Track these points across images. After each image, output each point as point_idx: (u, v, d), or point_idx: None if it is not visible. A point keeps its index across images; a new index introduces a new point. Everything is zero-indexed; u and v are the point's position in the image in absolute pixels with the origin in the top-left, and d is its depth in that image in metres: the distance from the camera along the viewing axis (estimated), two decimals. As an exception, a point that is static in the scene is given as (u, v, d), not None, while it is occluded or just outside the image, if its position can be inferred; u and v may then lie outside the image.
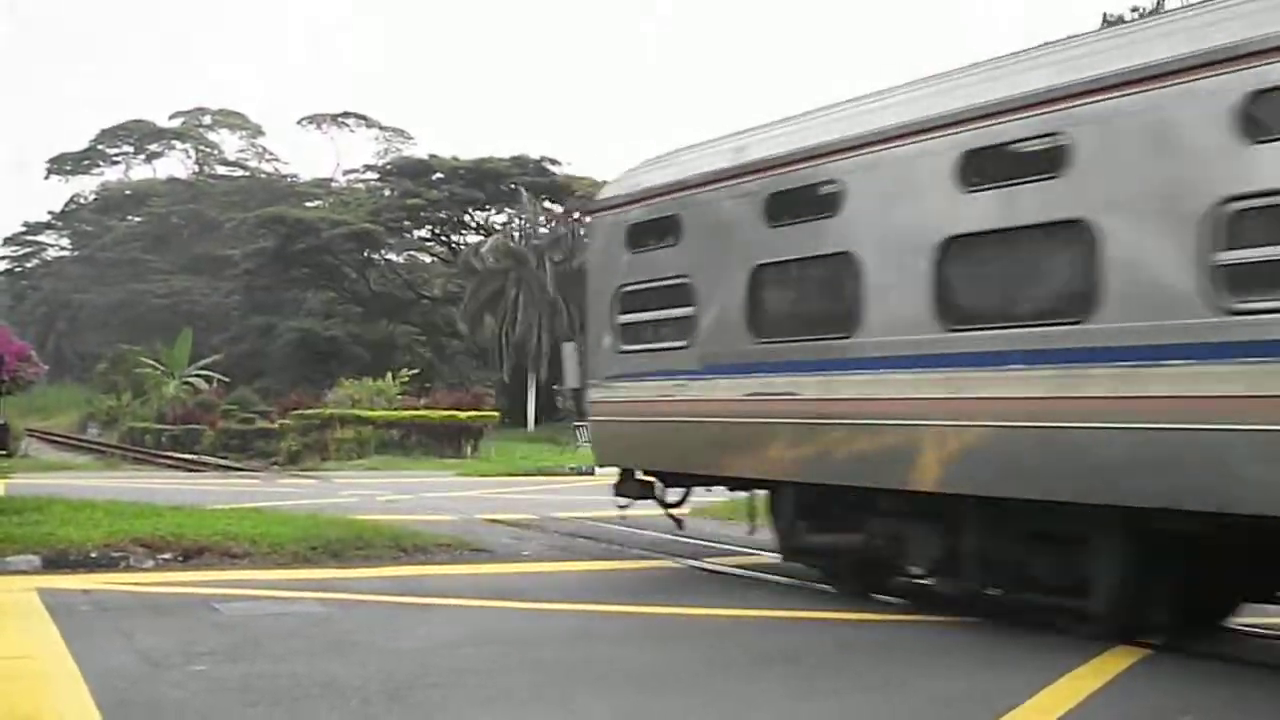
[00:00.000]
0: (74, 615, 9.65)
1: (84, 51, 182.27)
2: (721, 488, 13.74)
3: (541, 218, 73.88)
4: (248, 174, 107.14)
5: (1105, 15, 50.84)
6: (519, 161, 79.30)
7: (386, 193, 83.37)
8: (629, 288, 13.36)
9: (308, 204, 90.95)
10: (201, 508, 15.98)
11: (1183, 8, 10.21)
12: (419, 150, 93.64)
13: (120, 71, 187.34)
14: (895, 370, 10.01)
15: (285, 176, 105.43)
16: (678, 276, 12.47)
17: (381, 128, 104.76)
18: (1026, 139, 9.28)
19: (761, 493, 12.68)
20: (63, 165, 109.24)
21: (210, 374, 66.60)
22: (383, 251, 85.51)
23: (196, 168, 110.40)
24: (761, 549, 14.96)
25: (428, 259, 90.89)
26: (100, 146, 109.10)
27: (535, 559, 14.02)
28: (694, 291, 12.21)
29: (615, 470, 14.05)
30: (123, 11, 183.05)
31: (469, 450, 41.69)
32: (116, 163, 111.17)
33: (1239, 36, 7.81)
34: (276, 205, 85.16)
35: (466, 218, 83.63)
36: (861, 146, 10.54)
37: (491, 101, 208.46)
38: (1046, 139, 9.01)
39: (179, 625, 9.39)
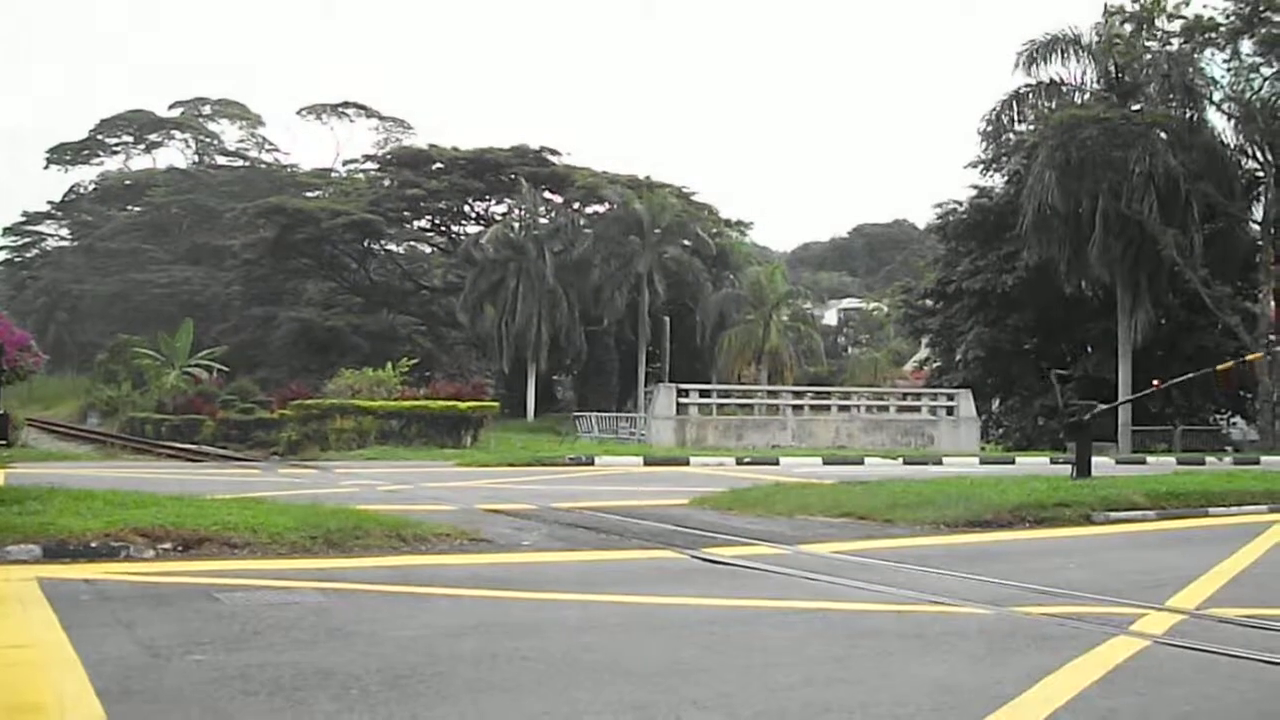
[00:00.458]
0: (74, 604, 9.65)
1: (83, 39, 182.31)
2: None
3: (541, 208, 73.94)
4: (248, 164, 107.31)
5: (1107, 6, 50.89)
6: (519, 152, 79.43)
7: (386, 183, 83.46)
8: None
9: (307, 194, 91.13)
10: (201, 498, 15.98)
11: None
12: (419, 140, 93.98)
13: (121, 60, 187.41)
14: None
15: (285, 166, 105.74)
16: None
17: (381, 118, 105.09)
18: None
19: None
20: (62, 155, 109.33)
21: (210, 364, 66.71)
22: (382, 242, 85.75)
23: (196, 158, 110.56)
24: (763, 539, 14.99)
25: (427, 249, 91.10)
26: (100, 136, 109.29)
27: (535, 549, 14.01)
28: None
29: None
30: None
31: (469, 440, 41.72)
32: (116, 153, 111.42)
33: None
34: (276, 195, 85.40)
35: (466, 208, 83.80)
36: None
37: (491, 92, 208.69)
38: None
39: (179, 614, 9.39)
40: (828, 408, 50.87)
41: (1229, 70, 50.60)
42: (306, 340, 78.39)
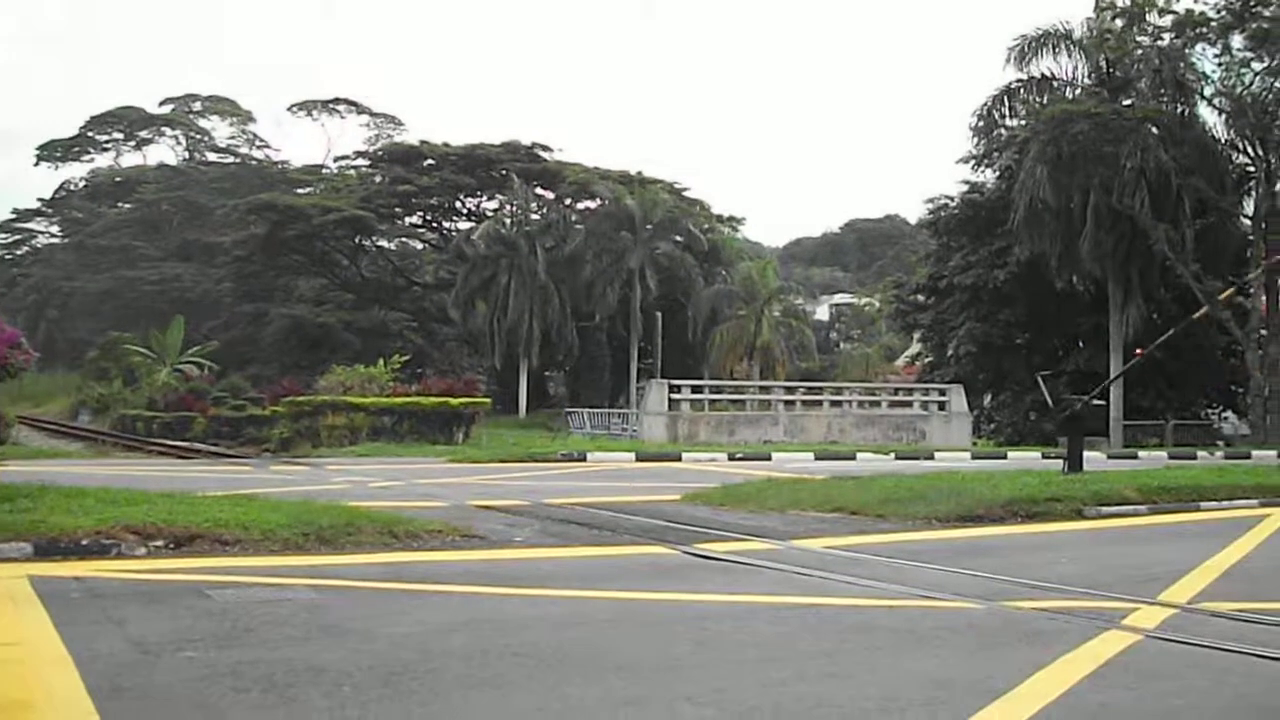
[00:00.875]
0: (65, 602, 9.64)
1: (75, 36, 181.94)
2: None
3: (533, 204, 73.91)
4: (238, 160, 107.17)
5: (1098, 0, 50.91)
6: (510, 148, 79.40)
7: (378, 179, 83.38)
8: None
9: (299, 191, 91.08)
10: (193, 495, 15.98)
11: None
12: (410, 136, 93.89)
13: (111, 57, 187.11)
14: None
15: (276, 163, 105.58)
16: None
17: (373, 114, 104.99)
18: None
19: None
20: (52, 152, 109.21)
21: (201, 361, 66.64)
22: (374, 238, 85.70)
23: (187, 154, 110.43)
24: (756, 535, 15.00)
25: (419, 245, 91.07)
26: (90, 133, 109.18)
27: (527, 545, 14.01)
28: None
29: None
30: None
31: (461, 437, 41.71)
32: (106, 149, 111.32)
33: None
34: (267, 192, 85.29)
35: (458, 204, 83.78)
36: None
37: (483, 88, 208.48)
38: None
39: (170, 612, 9.38)
40: (820, 403, 50.90)
41: (1220, 65, 50.69)
42: (298, 337, 78.33)
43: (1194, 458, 37.37)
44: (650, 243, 68.18)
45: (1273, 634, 9.21)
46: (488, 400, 48.60)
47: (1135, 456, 38.41)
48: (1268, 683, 7.87)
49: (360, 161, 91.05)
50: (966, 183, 62.48)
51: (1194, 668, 8.12)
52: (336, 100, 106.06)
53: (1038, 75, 51.06)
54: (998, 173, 59.43)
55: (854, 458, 35.30)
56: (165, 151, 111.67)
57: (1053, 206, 49.08)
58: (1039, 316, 57.17)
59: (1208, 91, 50.93)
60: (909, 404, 51.97)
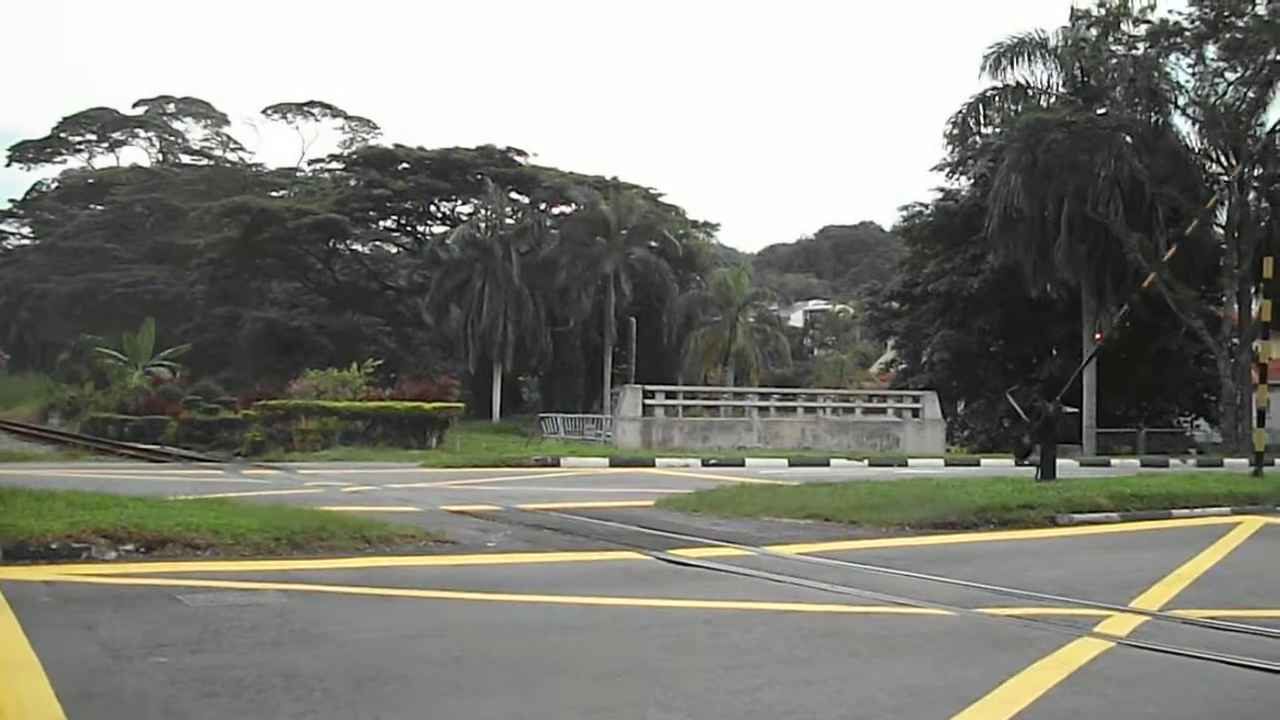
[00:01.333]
0: (34, 606, 9.57)
1: (46, 37, 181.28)
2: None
3: (508, 208, 73.89)
4: (212, 163, 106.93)
5: (1073, 9, 51.16)
6: (485, 152, 79.38)
7: (352, 183, 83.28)
8: None
9: (273, 194, 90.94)
10: (164, 498, 15.88)
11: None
12: (385, 140, 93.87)
13: (83, 58, 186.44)
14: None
15: (250, 166, 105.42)
16: None
17: (347, 117, 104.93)
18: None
19: None
20: (24, 153, 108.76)
21: (174, 364, 66.40)
22: (348, 242, 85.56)
23: (160, 156, 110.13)
24: (728, 541, 14.99)
25: (393, 249, 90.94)
26: (63, 134, 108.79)
27: (500, 550, 13.97)
28: None
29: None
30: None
31: (434, 441, 41.64)
32: (79, 151, 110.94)
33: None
34: (241, 194, 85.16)
35: (432, 208, 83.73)
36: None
37: (458, 93, 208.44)
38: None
39: (141, 616, 9.32)
40: (793, 409, 50.96)
41: (1194, 75, 50.99)
42: (271, 340, 78.09)
43: (1166, 465, 37.49)
44: (625, 248, 68.19)
45: (1244, 641, 9.25)
46: (461, 405, 48.53)
47: (1108, 464, 38.54)
48: (1239, 689, 7.88)
49: (335, 165, 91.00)
50: (941, 190, 62.79)
51: (1166, 675, 8.14)
52: (311, 103, 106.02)
53: (1013, 83, 51.24)
54: (972, 180, 59.68)
55: (828, 464, 35.30)
56: (139, 153, 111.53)
57: (1027, 214, 49.27)
58: (1013, 324, 57.38)
59: (1181, 101, 51.22)
60: (883, 411, 52.08)
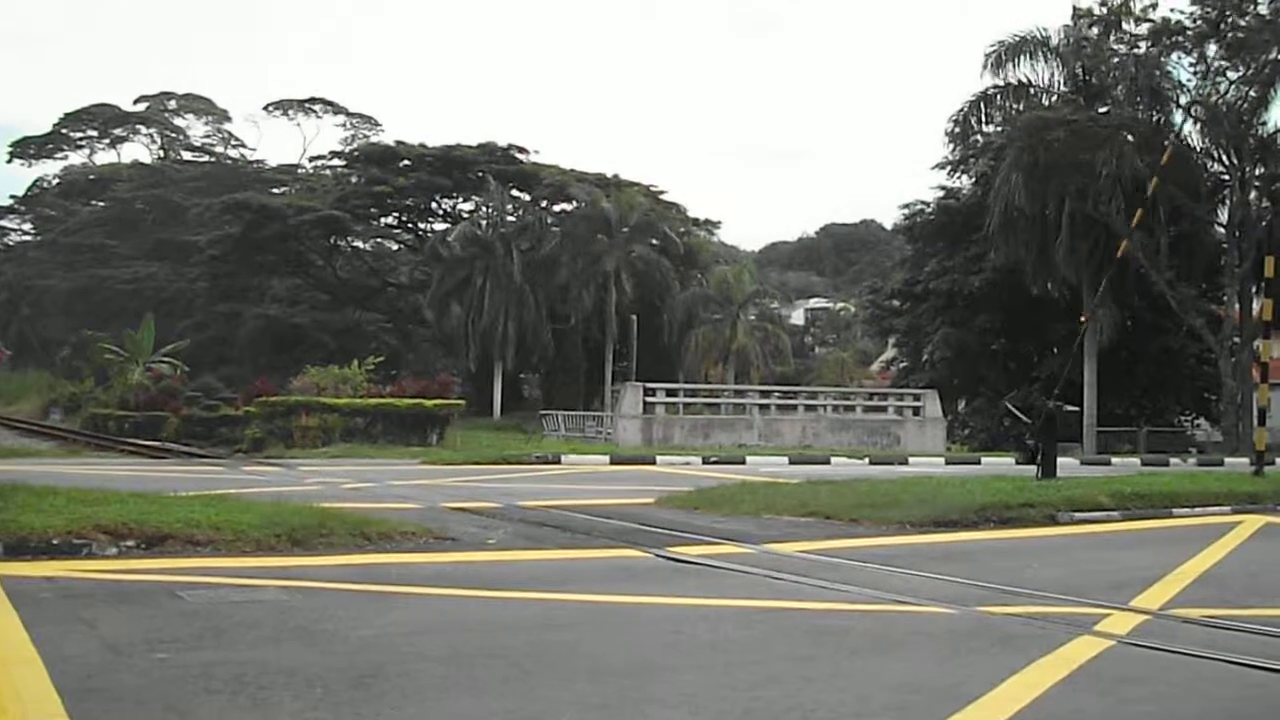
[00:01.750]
0: (35, 602, 9.58)
1: (48, 33, 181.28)
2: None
3: (509, 206, 73.85)
4: (213, 159, 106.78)
5: (1075, 8, 51.14)
6: (486, 149, 79.29)
7: (353, 179, 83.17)
8: None
9: (274, 190, 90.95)
10: (165, 495, 15.89)
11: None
12: (386, 137, 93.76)
13: (86, 55, 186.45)
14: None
15: (251, 162, 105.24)
16: None
17: (349, 114, 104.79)
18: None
19: None
20: (25, 149, 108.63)
21: (174, 361, 66.33)
22: (349, 238, 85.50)
23: (161, 153, 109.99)
24: (729, 539, 14.99)
25: (394, 246, 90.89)
26: (64, 130, 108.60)
27: (500, 547, 13.98)
28: None
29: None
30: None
31: (434, 439, 41.63)
32: (80, 147, 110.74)
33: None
34: (242, 191, 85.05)
35: (433, 205, 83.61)
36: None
37: (460, 90, 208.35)
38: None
39: (142, 613, 9.34)
40: (794, 407, 50.94)
41: (1195, 74, 50.91)
42: (271, 337, 78.05)
43: (1167, 464, 37.48)
44: (626, 246, 68.13)
45: (1244, 640, 9.25)
46: (462, 402, 48.51)
47: (1109, 463, 38.53)
48: (1239, 689, 7.88)
49: (336, 161, 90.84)
50: (942, 188, 62.72)
51: (1166, 674, 8.14)
52: (313, 100, 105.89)
53: (1014, 82, 51.14)
54: (974, 179, 59.62)
55: (828, 462, 35.31)
56: (140, 150, 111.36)
57: (1028, 213, 49.19)
58: (1014, 322, 57.33)
59: (1183, 100, 51.14)
60: (884, 409, 52.04)
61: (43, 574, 10.88)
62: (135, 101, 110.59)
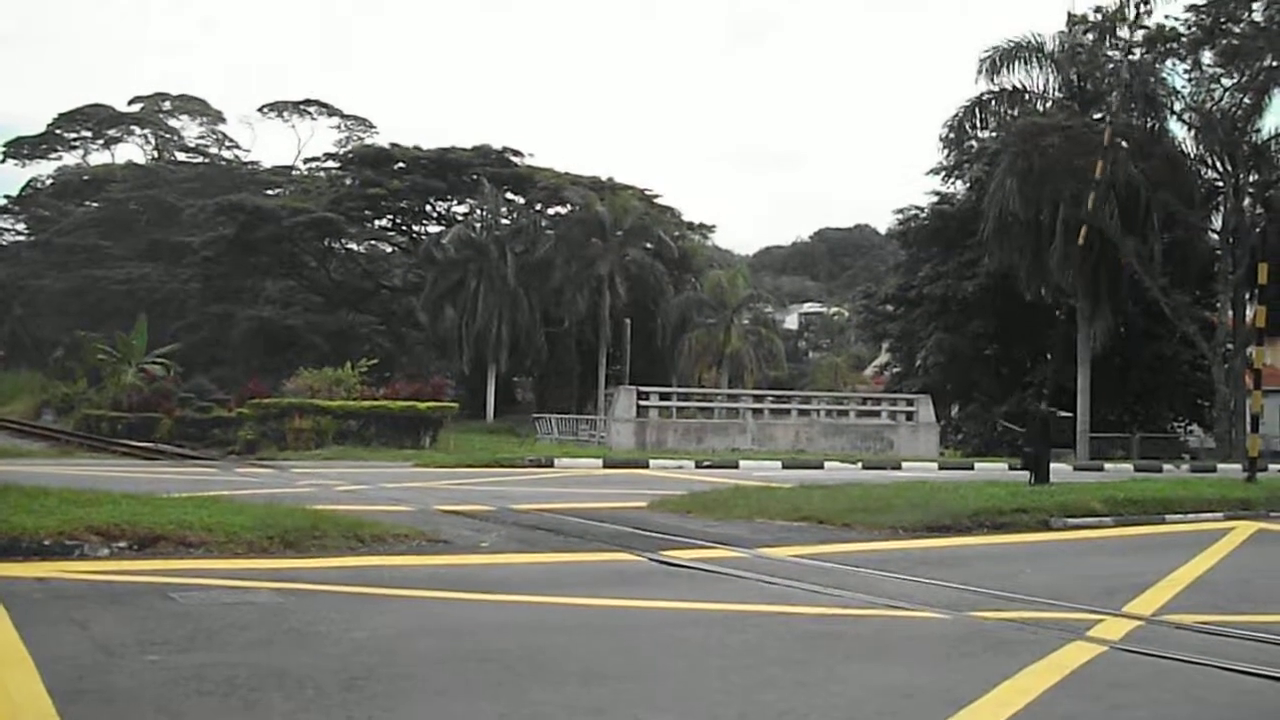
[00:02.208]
0: (27, 603, 9.56)
1: (42, 32, 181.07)
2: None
3: (503, 208, 73.83)
4: (208, 161, 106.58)
5: (1070, 14, 51.18)
6: (481, 152, 79.30)
7: (347, 181, 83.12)
8: None
9: (268, 192, 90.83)
10: (157, 496, 15.87)
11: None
12: (381, 139, 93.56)
13: (81, 55, 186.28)
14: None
15: (246, 164, 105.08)
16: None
17: (343, 116, 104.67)
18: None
19: None
20: (19, 149, 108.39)
21: (167, 362, 66.23)
22: (343, 240, 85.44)
23: (156, 154, 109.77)
24: (722, 543, 14.99)
25: (388, 249, 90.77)
26: (58, 131, 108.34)
27: (493, 550, 13.97)
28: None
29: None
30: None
31: (427, 441, 41.61)
32: (75, 147, 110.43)
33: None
34: (236, 192, 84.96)
35: (428, 208, 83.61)
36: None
37: (455, 92, 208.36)
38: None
39: (134, 614, 9.32)
40: (788, 412, 50.91)
41: (1190, 80, 51.03)
42: (265, 339, 77.95)
43: (1160, 470, 37.51)
44: (620, 249, 68.11)
45: (1237, 647, 9.25)
46: (455, 405, 48.48)
47: (1102, 469, 38.58)
48: (1231, 695, 7.89)
49: (330, 163, 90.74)
50: (937, 194, 62.83)
51: (1158, 680, 8.14)
52: (307, 102, 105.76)
53: (1009, 87, 51.25)
54: (968, 184, 59.72)
55: (821, 466, 35.34)
56: (134, 150, 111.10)
57: (1022, 219, 49.27)
58: (1007, 328, 57.37)
59: (1177, 106, 51.30)
60: (877, 414, 52.03)
61: (34, 575, 10.86)
62: (130, 102, 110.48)
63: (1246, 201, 51.40)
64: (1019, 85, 51.10)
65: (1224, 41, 48.62)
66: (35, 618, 8.97)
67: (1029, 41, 50.40)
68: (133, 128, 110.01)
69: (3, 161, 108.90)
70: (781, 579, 12.17)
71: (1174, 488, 23.21)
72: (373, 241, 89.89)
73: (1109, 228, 47.77)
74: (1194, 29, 49.12)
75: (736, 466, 34.70)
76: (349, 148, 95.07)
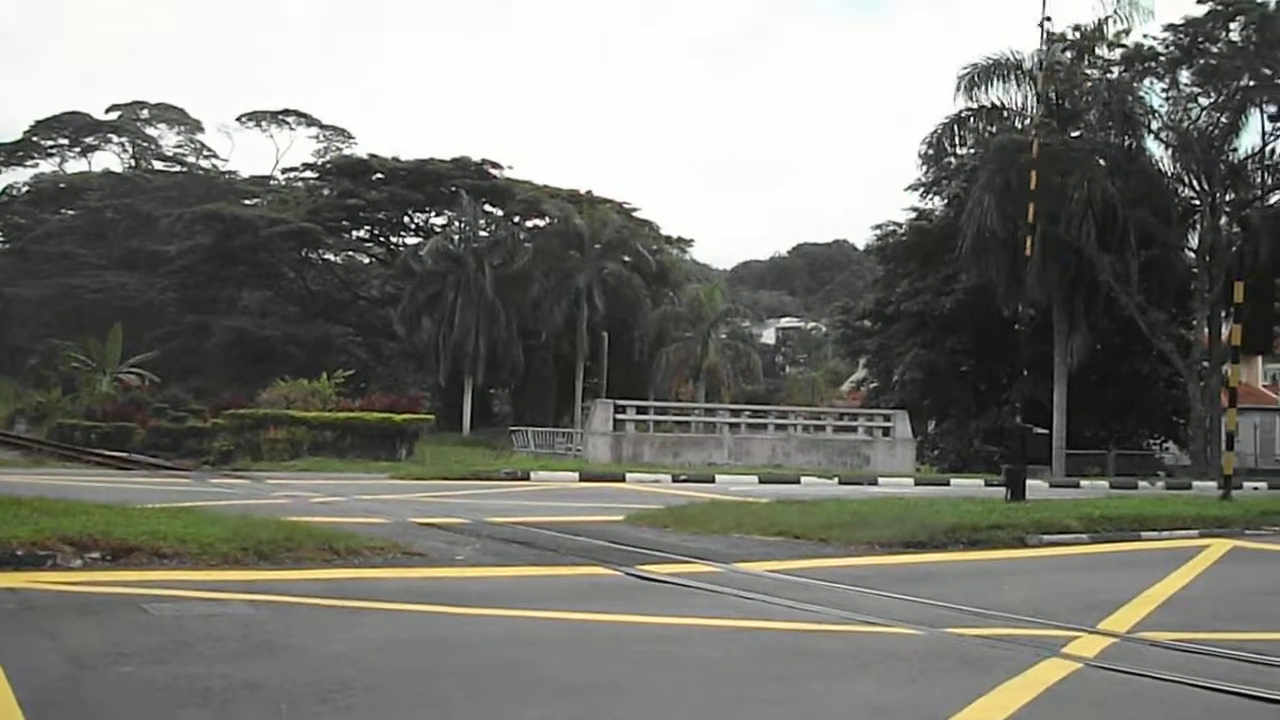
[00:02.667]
0: (-2, 613, 9.50)
1: (19, 42, 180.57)
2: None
3: (482, 221, 73.86)
4: (185, 169, 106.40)
5: (1048, 32, 51.30)
6: (460, 164, 79.40)
7: (326, 192, 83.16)
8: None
9: (246, 201, 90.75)
10: (131, 506, 15.76)
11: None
12: (359, 150, 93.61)
13: (58, 63, 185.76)
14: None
15: (223, 173, 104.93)
16: None
17: (322, 126, 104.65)
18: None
19: None
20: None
21: (142, 371, 66.04)
22: (321, 251, 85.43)
23: (133, 162, 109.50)
24: (699, 557, 14.96)
25: (366, 260, 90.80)
26: (35, 138, 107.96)
27: (469, 564, 13.91)
28: None
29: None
30: (62, 4, 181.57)
31: (403, 453, 41.55)
32: (51, 155, 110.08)
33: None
34: (214, 202, 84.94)
35: (406, 219, 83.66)
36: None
37: (434, 105, 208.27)
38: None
39: (106, 625, 9.25)
40: (764, 426, 50.93)
41: (1167, 99, 51.28)
42: (241, 349, 77.82)
43: (1136, 487, 37.59)
44: (598, 262, 68.20)
45: (1210, 664, 9.25)
46: (431, 417, 48.44)
47: (1078, 485, 38.64)
48: (1204, 713, 7.89)
49: (308, 174, 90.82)
50: (915, 210, 63.02)
51: (1132, 697, 8.14)
52: (286, 112, 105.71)
53: (987, 104, 51.44)
54: (946, 200, 59.89)
55: (798, 481, 35.34)
56: (111, 159, 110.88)
57: (1000, 235, 49.39)
58: (984, 344, 57.50)
59: (1155, 125, 51.53)
60: (854, 429, 52.08)
61: (5, 585, 10.76)
62: (107, 110, 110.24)
63: (1223, 220, 51.68)
64: (997, 102, 51.32)
65: (1201, 61, 48.91)
66: (6, 628, 8.91)
67: (1008, 59, 50.60)
68: (110, 136, 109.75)
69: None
70: (758, 594, 12.14)
71: (1150, 505, 23.26)
72: (350, 252, 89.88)
73: (1086, 245, 47.96)
74: (1172, 48, 49.38)
75: (713, 481, 34.67)
76: (327, 158, 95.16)
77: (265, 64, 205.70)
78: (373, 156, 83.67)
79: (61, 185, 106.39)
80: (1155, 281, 51.43)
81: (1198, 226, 52.38)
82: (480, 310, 66.12)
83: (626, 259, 71.22)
